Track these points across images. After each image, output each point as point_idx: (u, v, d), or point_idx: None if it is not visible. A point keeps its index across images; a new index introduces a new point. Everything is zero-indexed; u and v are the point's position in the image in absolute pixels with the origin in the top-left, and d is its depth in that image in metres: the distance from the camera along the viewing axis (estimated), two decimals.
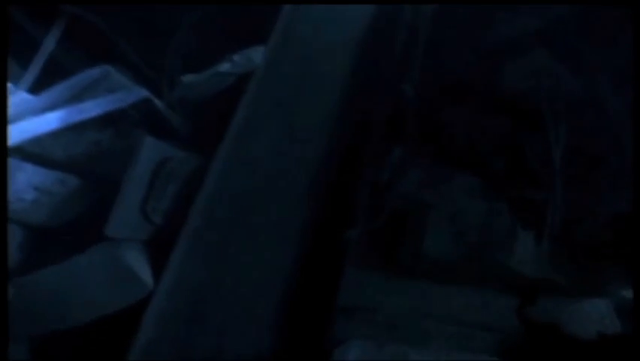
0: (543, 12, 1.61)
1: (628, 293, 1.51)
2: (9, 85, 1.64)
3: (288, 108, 1.77)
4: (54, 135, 1.61)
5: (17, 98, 1.62)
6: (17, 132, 1.50)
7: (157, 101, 1.81)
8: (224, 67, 1.86)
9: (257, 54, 1.97)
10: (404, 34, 1.83)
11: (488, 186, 1.54)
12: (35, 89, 1.92)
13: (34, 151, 1.65)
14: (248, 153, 1.69)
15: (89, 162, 1.78)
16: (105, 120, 1.78)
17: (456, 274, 1.50)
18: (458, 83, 1.67)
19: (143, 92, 1.78)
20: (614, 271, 1.48)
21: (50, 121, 1.57)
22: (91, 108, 1.67)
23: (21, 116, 1.55)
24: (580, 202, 1.51)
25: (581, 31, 1.56)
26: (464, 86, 1.65)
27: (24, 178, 1.62)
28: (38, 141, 1.59)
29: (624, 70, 1.48)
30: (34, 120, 1.53)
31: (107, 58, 2.00)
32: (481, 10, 1.73)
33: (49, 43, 2.06)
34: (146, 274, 1.57)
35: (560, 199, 1.50)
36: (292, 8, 2.01)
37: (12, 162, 1.57)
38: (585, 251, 1.49)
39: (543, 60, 1.57)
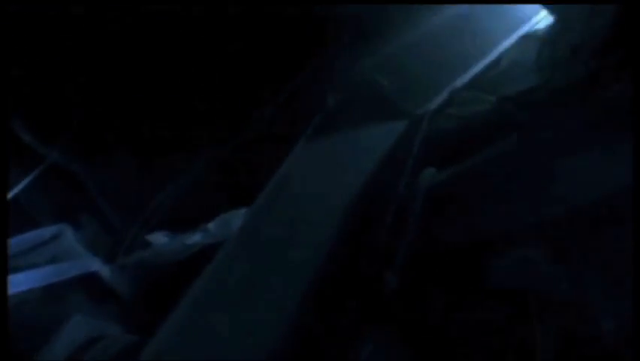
0: (540, 208, 1.57)
1: None
2: None
3: (252, 283, 1.52)
4: None
5: None
6: None
7: (106, 269, 1.54)
8: (194, 238, 1.64)
9: (237, 218, 1.76)
10: (393, 211, 1.66)
11: None
12: None
13: None
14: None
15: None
16: None
17: None
18: (445, 269, 1.54)
19: (92, 264, 1.53)
20: None
21: None
22: (23, 281, 1.40)
23: None
24: None
25: (579, 232, 1.49)
26: (452, 273, 1.53)
27: None
28: None
29: (619, 274, 1.41)
30: None
31: (78, 208, 1.84)
32: (478, 193, 1.67)
33: (18, 190, 1.92)
34: None
35: None
36: (286, 170, 1.92)
37: None
38: None
39: (534, 258, 1.48)
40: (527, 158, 1.69)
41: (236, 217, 1.76)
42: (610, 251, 1.42)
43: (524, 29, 3.29)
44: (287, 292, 1.54)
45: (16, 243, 1.54)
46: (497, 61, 2.91)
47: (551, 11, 3.18)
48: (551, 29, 3.01)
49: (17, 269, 1.42)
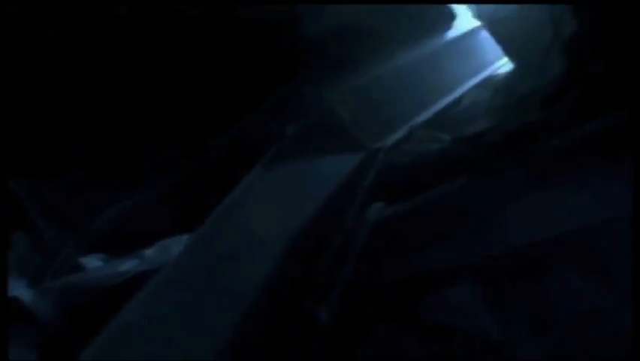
0: (480, 249, 1.57)
1: None
2: None
3: (184, 311, 1.46)
4: None
5: None
6: None
7: (29, 293, 1.45)
8: (129, 263, 1.56)
9: (177, 245, 1.70)
10: (338, 245, 1.64)
11: None
12: None
13: None
14: None
15: None
16: None
17: None
18: (381, 304, 1.52)
19: (14, 286, 1.44)
20: None
21: None
22: None
23: None
24: None
25: (513, 275, 1.49)
26: (387, 307, 1.51)
27: None
28: None
29: (546, 319, 1.42)
30: None
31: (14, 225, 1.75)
32: (421, 231, 1.67)
33: None
34: None
35: None
36: (234, 198, 1.88)
37: None
38: None
39: (468, 297, 1.47)
40: (473, 199, 1.70)
41: (177, 244, 1.70)
42: (540, 295, 1.42)
43: (486, 73, 3.41)
44: (219, 323, 1.48)
45: None
46: (458, 101, 2.99)
47: (511, 58, 3.32)
48: (509, 75, 3.13)
49: None
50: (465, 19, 3.75)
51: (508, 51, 3.37)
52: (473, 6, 3.90)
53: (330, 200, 1.93)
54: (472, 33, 3.74)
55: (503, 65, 3.41)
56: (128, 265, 1.61)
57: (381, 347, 1.42)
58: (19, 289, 1.50)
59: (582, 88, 2.06)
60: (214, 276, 1.57)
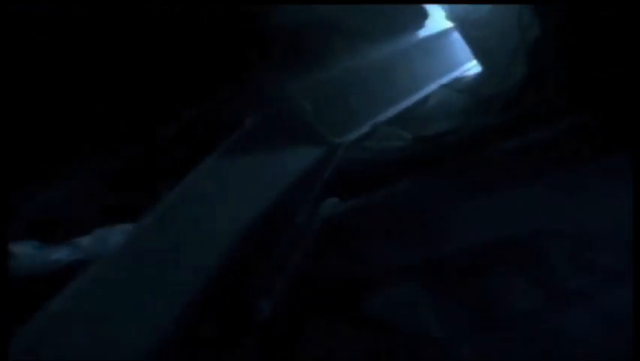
0: (427, 248, 1.58)
1: None
2: None
3: (123, 301, 1.39)
4: None
5: None
6: None
7: None
8: (62, 252, 1.47)
9: (116, 235, 1.61)
10: (287, 239, 1.60)
11: None
12: None
13: None
14: None
15: None
16: None
17: None
18: (326, 299, 1.49)
19: None
20: None
21: None
22: None
23: None
24: None
25: (458, 275, 1.49)
26: (331, 303, 1.48)
27: None
28: None
29: (489, 316, 1.42)
30: None
31: None
32: (372, 228, 1.64)
33: None
34: None
35: None
36: (184, 189, 1.80)
37: None
38: None
39: (410, 296, 1.46)
40: (424, 199, 1.69)
41: (115, 234, 1.62)
42: (483, 295, 1.42)
43: (455, 73, 3.42)
44: (154, 318, 1.41)
45: None
46: (424, 100, 2.98)
47: (480, 61, 3.34)
48: (476, 77, 3.14)
49: None
50: (438, 20, 3.75)
51: (477, 54, 3.38)
52: (446, 7, 3.90)
53: (285, 194, 1.89)
54: (443, 34, 3.74)
55: (472, 67, 3.43)
56: (60, 254, 1.52)
57: (321, 342, 1.39)
58: None
59: (540, 93, 2.08)
60: (155, 269, 1.50)
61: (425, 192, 1.72)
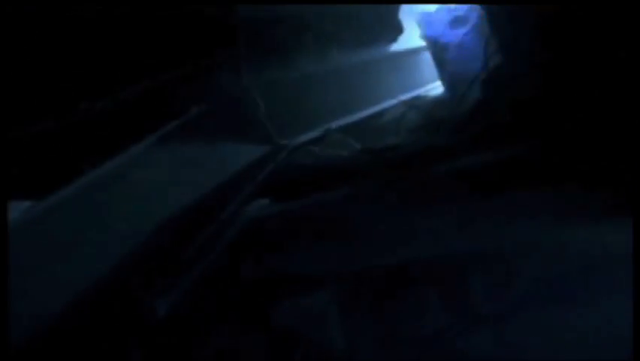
0: (346, 259, 1.54)
1: None
2: None
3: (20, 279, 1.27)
4: None
5: None
6: None
7: None
8: None
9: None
10: (206, 236, 1.53)
11: None
12: None
13: None
14: None
15: None
16: None
17: None
18: (233, 301, 1.44)
19: None
20: None
21: None
22: None
23: None
24: None
25: (374, 287, 1.47)
26: (238, 306, 1.44)
27: None
28: None
29: (398, 332, 1.42)
30: None
31: None
32: (298, 234, 1.62)
33: None
34: None
35: None
36: (105, 171, 1.69)
37: None
38: None
39: (320, 306, 1.44)
40: (352, 211, 1.66)
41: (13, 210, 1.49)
42: (396, 311, 1.40)
43: (419, 91, 3.44)
44: (52, 300, 1.31)
45: None
46: (382, 113, 2.98)
47: (443, 82, 3.37)
48: (436, 97, 3.17)
49: None
50: (412, 37, 3.77)
51: (443, 75, 3.42)
52: (422, 26, 3.93)
53: (215, 189, 1.82)
54: (414, 51, 3.76)
55: (436, 88, 3.46)
56: None
57: (222, 346, 1.33)
58: None
59: (488, 120, 2.10)
60: (48, 256, 1.39)
61: (353, 205, 1.69)
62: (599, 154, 1.73)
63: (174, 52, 2.29)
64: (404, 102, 3.01)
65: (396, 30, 3.62)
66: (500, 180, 1.76)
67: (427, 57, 3.65)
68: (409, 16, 3.79)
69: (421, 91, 3.38)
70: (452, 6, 3.93)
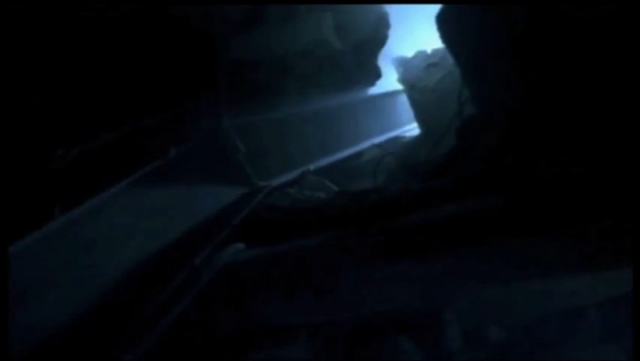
0: (323, 309, 1.52)
1: None
2: None
3: None
4: None
5: None
6: None
7: None
8: None
9: None
10: (176, 284, 1.51)
11: None
12: None
13: None
14: None
15: None
16: None
17: None
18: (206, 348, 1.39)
19: None
20: None
21: None
22: None
23: None
24: None
25: (351, 337, 1.45)
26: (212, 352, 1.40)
27: None
28: None
29: None
30: None
31: None
32: (271, 282, 1.60)
33: None
34: None
35: None
36: (76, 213, 1.67)
37: None
38: None
39: (298, 356, 1.40)
40: (328, 260, 1.66)
41: None
42: (374, 356, 1.39)
43: (395, 133, 3.54)
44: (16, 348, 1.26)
45: None
46: (359, 155, 3.04)
47: (420, 125, 3.48)
48: (413, 140, 3.26)
49: None
50: (390, 80, 3.91)
51: (419, 118, 3.53)
52: (400, 70, 4.08)
53: (190, 233, 1.81)
54: (392, 94, 3.90)
55: (412, 129, 3.57)
56: None
57: None
58: None
59: (463, 167, 2.16)
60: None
61: (327, 254, 1.70)
62: (569, 205, 1.78)
63: (155, 95, 2.32)
64: (378, 145, 3.09)
65: (375, 75, 3.75)
66: (472, 231, 1.79)
67: (404, 100, 3.78)
68: (387, 60, 3.94)
69: (398, 132, 3.48)
70: (429, 52, 4.11)
